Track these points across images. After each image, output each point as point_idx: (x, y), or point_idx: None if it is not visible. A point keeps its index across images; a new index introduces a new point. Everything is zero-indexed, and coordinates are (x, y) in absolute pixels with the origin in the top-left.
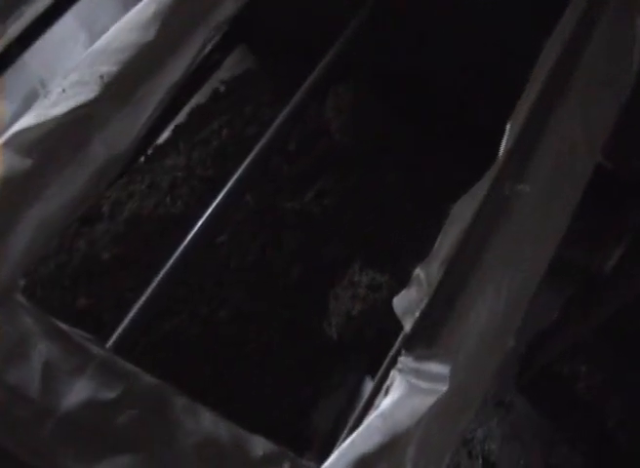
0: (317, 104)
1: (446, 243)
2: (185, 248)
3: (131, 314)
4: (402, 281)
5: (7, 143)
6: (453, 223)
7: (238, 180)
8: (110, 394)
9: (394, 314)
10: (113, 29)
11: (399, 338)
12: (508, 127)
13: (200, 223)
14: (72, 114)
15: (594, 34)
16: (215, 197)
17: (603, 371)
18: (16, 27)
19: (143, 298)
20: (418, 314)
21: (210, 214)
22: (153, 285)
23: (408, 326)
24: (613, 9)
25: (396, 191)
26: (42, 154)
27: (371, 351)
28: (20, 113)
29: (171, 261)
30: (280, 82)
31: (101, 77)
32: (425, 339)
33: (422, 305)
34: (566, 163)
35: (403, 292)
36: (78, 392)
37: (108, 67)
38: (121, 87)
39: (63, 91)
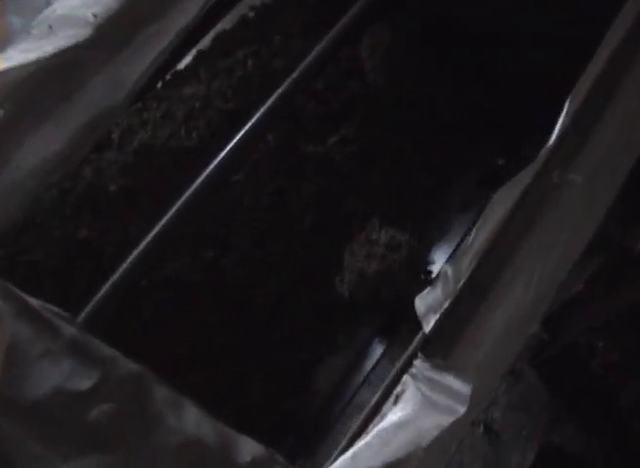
0: (351, 43)
1: (480, 236)
2: (198, 185)
3: (134, 253)
4: (423, 241)
5: None
6: (490, 215)
7: (261, 117)
8: (83, 383)
9: (413, 276)
10: None
11: (416, 338)
12: (566, 107)
13: (216, 160)
14: (58, 58)
15: None
16: (233, 132)
17: (621, 351)
18: None
19: (148, 238)
20: (440, 314)
21: (227, 151)
22: (160, 223)
23: (428, 327)
24: None
25: (423, 150)
26: (17, 103)
27: (384, 313)
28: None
29: (181, 200)
30: (313, 13)
31: (95, 16)
32: (446, 344)
33: (446, 305)
34: (620, 151)
35: (427, 290)
36: (45, 379)
37: (102, 6)
38: (117, 29)
39: (50, 28)
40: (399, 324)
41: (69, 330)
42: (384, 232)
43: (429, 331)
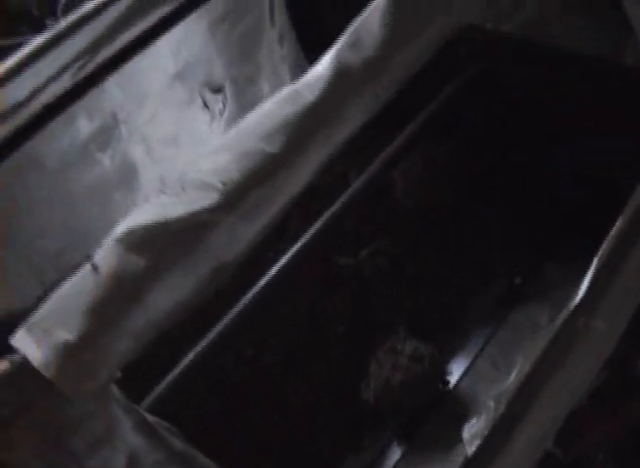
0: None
1: (517, 377)
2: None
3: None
4: (443, 352)
5: (120, 240)
6: (526, 359)
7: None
8: None
9: (433, 387)
10: (237, 131)
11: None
12: (596, 259)
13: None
14: (190, 219)
15: None
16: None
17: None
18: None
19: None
20: (481, 440)
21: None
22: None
23: (470, 450)
24: None
25: (447, 266)
26: (154, 255)
27: (404, 419)
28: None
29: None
30: None
31: (223, 184)
32: (483, 464)
33: (486, 433)
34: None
35: (474, 420)
36: None
37: (230, 173)
38: (241, 196)
39: (183, 189)
40: (417, 430)
41: (178, 444)
42: (409, 343)
43: (471, 455)
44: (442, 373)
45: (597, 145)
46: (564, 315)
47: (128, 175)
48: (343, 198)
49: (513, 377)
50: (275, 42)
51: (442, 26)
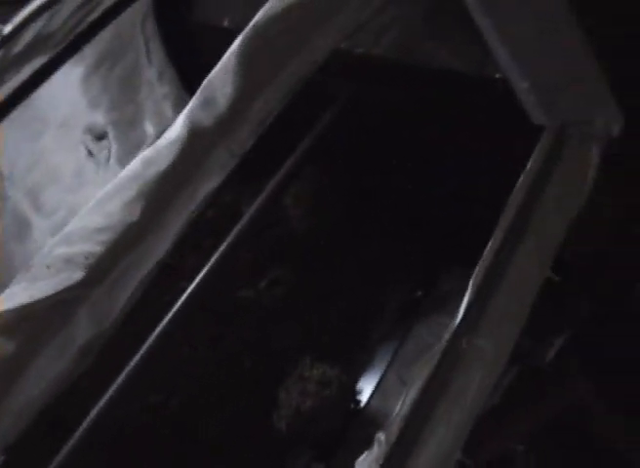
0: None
1: (406, 404)
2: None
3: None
4: (350, 373)
5: None
6: (413, 384)
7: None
8: None
9: (344, 409)
10: (95, 205)
11: None
12: (471, 283)
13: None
14: (58, 296)
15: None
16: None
17: (538, 456)
18: None
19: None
20: None
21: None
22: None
23: None
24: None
25: (345, 287)
26: (25, 337)
27: (319, 443)
28: None
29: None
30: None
31: (86, 258)
32: None
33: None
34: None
35: (365, 454)
36: None
37: (92, 246)
38: (105, 267)
39: (48, 268)
40: (334, 452)
41: None
42: (316, 369)
43: None
44: (352, 394)
45: (468, 163)
46: (446, 337)
47: (21, 230)
48: (236, 230)
49: (400, 406)
50: (154, 80)
51: (306, 58)
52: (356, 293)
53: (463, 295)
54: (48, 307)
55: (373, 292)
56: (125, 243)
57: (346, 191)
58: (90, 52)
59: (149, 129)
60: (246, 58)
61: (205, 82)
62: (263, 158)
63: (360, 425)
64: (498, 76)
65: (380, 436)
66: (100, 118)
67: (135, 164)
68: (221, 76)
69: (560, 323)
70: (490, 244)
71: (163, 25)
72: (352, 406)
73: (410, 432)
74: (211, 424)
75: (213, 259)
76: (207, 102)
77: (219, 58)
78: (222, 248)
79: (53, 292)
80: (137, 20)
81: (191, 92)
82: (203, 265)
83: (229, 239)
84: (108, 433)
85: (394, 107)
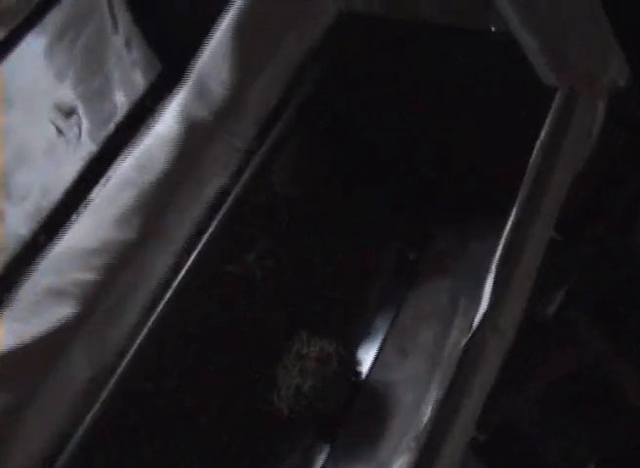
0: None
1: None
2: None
3: None
4: (349, 345)
5: None
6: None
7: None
8: None
9: (345, 384)
10: (84, 220)
11: None
12: (494, 262)
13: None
14: (50, 337)
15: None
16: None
17: (542, 410)
18: None
19: None
20: None
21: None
22: None
23: None
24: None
25: (341, 255)
26: (18, 386)
27: (322, 423)
28: None
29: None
30: None
31: (79, 287)
32: None
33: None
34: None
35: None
36: None
37: (84, 273)
38: (101, 295)
39: (37, 304)
40: (339, 428)
41: None
42: (313, 345)
43: None
44: (352, 368)
45: (460, 121)
46: (473, 326)
47: None
48: (225, 206)
49: (429, 412)
50: (122, 48)
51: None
52: (348, 260)
53: (459, 257)
54: (40, 350)
55: (365, 257)
56: (122, 265)
57: (333, 153)
58: (52, 20)
59: (120, 99)
60: (241, 40)
61: (196, 69)
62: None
63: (362, 398)
64: (493, 29)
65: (410, 443)
66: (67, 92)
67: (126, 169)
68: (215, 62)
69: (559, 277)
70: (511, 218)
71: None
72: (353, 378)
73: (437, 438)
74: (209, 407)
75: (203, 237)
76: (201, 93)
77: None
78: (214, 222)
79: (45, 332)
80: None
81: (162, 58)
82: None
83: (219, 215)
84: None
85: (383, 66)
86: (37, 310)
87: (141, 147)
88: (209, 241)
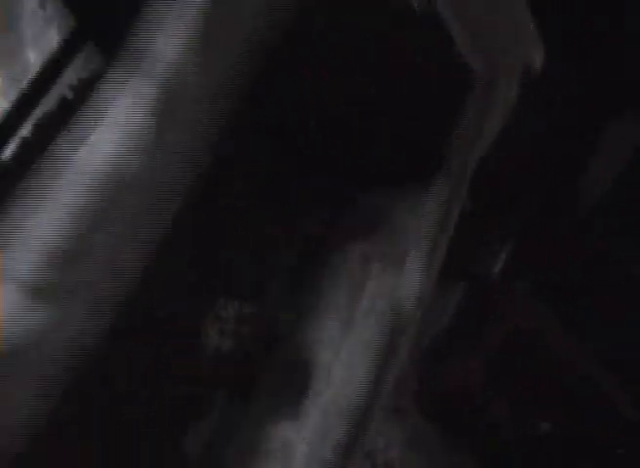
0: None
1: None
2: None
3: None
4: (267, 308)
5: None
6: None
7: None
8: None
9: (261, 346)
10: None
11: None
12: None
13: None
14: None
15: None
16: None
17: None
18: None
19: None
20: None
21: None
22: None
23: None
24: None
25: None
26: None
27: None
28: None
29: None
30: None
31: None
32: None
33: None
34: None
35: None
36: None
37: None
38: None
39: None
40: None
41: None
42: (231, 307)
43: None
44: (270, 328)
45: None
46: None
47: None
48: None
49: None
50: (36, 6)
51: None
52: (262, 226)
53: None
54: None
55: (278, 221)
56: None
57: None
58: None
59: (32, 57)
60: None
61: (152, 57)
62: None
63: (278, 359)
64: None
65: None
66: None
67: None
68: (177, 53)
69: (499, 229)
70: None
71: None
72: (271, 340)
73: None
74: (132, 380)
75: None
76: (161, 83)
77: None
78: None
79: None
80: None
81: (76, 14)
82: None
83: None
84: None
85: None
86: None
87: (88, 148)
88: None
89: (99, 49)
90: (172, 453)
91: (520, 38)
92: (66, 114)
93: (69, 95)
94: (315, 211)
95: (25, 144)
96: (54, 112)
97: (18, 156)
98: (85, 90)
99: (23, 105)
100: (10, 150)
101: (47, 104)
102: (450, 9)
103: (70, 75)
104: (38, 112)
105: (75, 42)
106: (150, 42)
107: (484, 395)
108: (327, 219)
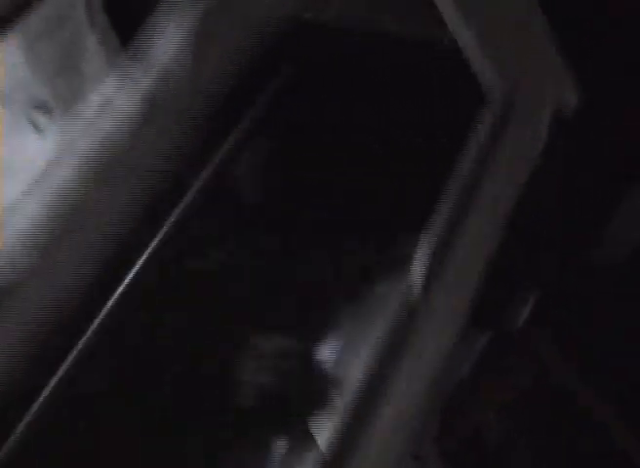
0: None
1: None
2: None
3: None
4: (310, 343)
5: None
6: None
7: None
8: None
9: (303, 382)
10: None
11: None
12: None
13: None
14: None
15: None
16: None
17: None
18: None
19: None
20: None
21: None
22: None
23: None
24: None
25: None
26: None
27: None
28: None
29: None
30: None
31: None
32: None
33: None
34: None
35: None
36: None
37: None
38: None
39: None
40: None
41: None
42: (271, 341)
43: None
44: (312, 364)
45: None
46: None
47: None
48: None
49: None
50: (98, 47)
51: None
52: (309, 261)
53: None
54: None
55: (326, 257)
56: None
57: (295, 161)
58: (33, 20)
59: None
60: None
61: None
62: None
63: (320, 392)
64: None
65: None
66: (44, 91)
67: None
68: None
69: (527, 280)
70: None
71: None
72: (314, 375)
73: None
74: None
75: (162, 232)
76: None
77: None
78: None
79: None
80: None
81: None
82: (153, 237)
83: (177, 211)
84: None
85: (345, 76)
86: None
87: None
88: (167, 235)
89: None
90: None
91: (545, 70)
92: None
93: None
94: (363, 245)
95: None
96: None
97: None
98: None
99: None
100: None
101: None
102: (468, 31)
103: None
104: None
105: None
106: (153, 36)
107: (505, 444)
108: (373, 255)
